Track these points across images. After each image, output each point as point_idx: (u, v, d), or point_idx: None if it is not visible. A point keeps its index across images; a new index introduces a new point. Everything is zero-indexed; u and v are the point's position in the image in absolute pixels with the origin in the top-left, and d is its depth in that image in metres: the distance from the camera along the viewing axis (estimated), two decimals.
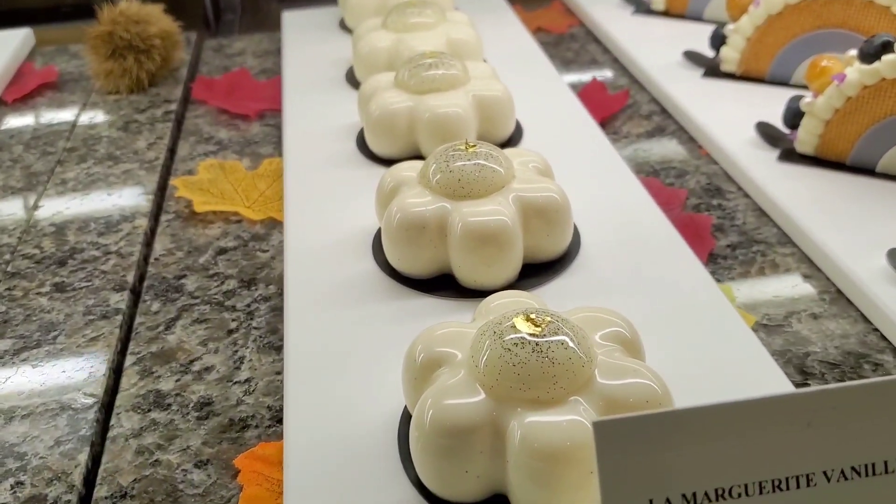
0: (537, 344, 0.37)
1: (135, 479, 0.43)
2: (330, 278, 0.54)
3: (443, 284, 0.52)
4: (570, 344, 0.37)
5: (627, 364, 0.38)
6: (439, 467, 0.37)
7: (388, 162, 0.66)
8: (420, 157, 0.65)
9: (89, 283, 0.58)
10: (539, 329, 0.38)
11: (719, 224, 0.60)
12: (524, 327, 0.38)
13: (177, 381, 0.49)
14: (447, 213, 0.51)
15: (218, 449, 0.44)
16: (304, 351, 0.48)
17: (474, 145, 0.54)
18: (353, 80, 0.81)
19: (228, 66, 0.92)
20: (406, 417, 0.42)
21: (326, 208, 0.62)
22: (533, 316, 0.38)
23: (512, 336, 0.37)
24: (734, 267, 0.56)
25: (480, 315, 0.43)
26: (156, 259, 0.60)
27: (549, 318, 0.38)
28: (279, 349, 0.51)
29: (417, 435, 0.38)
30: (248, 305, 0.55)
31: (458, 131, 0.63)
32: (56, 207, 0.67)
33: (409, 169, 0.56)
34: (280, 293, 0.56)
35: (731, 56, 0.77)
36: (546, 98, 0.75)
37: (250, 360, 0.50)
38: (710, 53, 0.81)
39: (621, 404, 0.37)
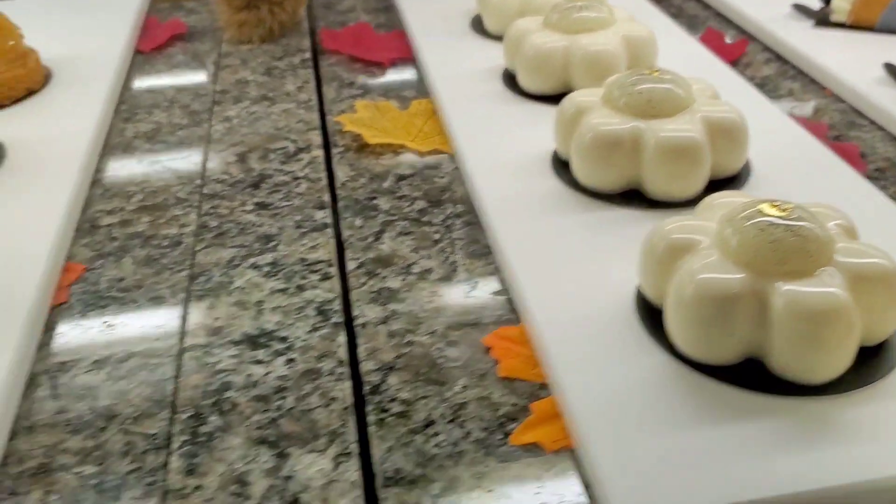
0: (787, 225, 0.42)
1: (396, 356, 0.47)
2: (520, 194, 0.59)
3: (627, 197, 0.57)
4: (815, 224, 0.42)
5: (860, 246, 0.43)
6: (705, 334, 0.42)
7: (540, 98, 0.71)
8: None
9: (289, 203, 0.62)
10: (785, 213, 0.42)
11: (862, 152, 0.65)
12: (772, 212, 0.42)
13: (403, 279, 0.54)
14: (640, 131, 0.56)
15: (462, 332, 0.49)
16: (518, 253, 0.53)
17: (657, 70, 0.58)
18: (479, 29, 0.85)
19: (344, 21, 0.96)
20: (641, 298, 0.47)
21: (493, 138, 0.66)
22: (777, 203, 0.43)
23: (761, 219, 0.42)
24: (888, 187, 0.61)
25: (704, 211, 0.48)
26: (342, 184, 0.65)
27: (791, 205, 0.43)
28: (486, 255, 0.56)
29: (681, 309, 0.42)
30: (444, 221, 0.59)
31: (611, 68, 0.68)
32: (229, 140, 0.71)
33: (586, 96, 0.61)
34: (470, 210, 0.60)
35: (841, 6, 0.82)
36: (671, 42, 0.80)
37: (463, 263, 0.55)
38: (817, 6, 0.86)
39: (862, 277, 0.41)
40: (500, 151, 0.64)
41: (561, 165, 0.61)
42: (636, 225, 0.55)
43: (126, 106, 0.78)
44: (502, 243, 0.54)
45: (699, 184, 0.56)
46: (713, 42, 0.84)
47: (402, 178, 0.65)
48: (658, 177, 0.55)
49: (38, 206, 0.60)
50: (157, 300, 0.53)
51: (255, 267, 0.56)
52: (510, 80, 0.74)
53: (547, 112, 0.70)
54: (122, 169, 0.68)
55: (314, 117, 0.75)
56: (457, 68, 0.78)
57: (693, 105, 0.57)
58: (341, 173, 0.66)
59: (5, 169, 0.66)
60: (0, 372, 0.45)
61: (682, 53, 0.78)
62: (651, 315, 0.46)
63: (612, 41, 0.69)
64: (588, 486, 0.39)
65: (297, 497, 0.39)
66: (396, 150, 0.69)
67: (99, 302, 0.53)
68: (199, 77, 0.83)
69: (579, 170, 0.58)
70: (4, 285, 0.52)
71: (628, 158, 0.56)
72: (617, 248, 0.53)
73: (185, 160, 0.69)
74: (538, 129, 0.67)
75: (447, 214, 0.60)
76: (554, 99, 0.71)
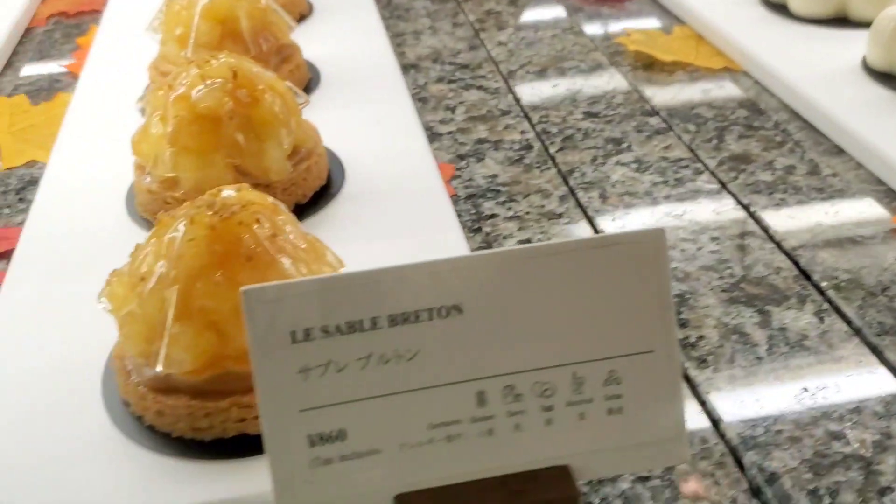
0: None
1: (810, 236, 0.50)
2: (851, 99, 0.62)
3: None
4: None
5: None
6: None
7: (808, 21, 0.74)
8: (843, 17, 0.73)
9: (615, 112, 0.65)
10: None
11: None
12: None
13: (772, 174, 0.57)
14: None
15: (867, 213, 0.52)
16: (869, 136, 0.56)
17: None
18: None
19: None
20: None
21: (786, 54, 0.69)
22: None
23: None
24: None
25: None
26: (651, 97, 0.67)
27: None
28: (839, 154, 0.58)
29: None
30: (775, 126, 0.62)
31: None
32: (516, 61, 0.74)
33: None
34: (796, 117, 0.63)
35: None
36: None
37: (821, 160, 0.58)
38: None
39: None
40: (803, 65, 0.67)
41: (879, 75, 0.64)
42: None
43: (390, 33, 0.81)
44: (863, 139, 0.57)
45: None
46: None
47: (706, 91, 0.68)
48: None
49: (386, 115, 0.63)
50: (543, 192, 0.56)
51: (621, 164, 0.58)
52: (771, 6, 0.77)
53: (820, 33, 0.73)
54: (427, 85, 0.71)
55: (586, 41, 0.77)
56: None
57: None
58: (644, 88, 0.69)
59: (326, 84, 0.68)
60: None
61: None
62: None
63: None
64: None
65: (801, 342, 0.42)
66: (684, 67, 0.72)
67: (486, 194, 0.56)
68: (444, 8, 0.86)
69: None
70: (419, 183, 0.55)
71: None
72: None
73: (484, 79, 0.71)
74: (825, 47, 0.70)
75: (774, 121, 0.63)
76: (822, 22, 0.74)
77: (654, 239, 0.32)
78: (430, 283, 0.31)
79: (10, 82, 0.75)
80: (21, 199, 0.58)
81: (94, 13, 0.88)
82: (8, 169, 0.62)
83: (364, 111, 0.63)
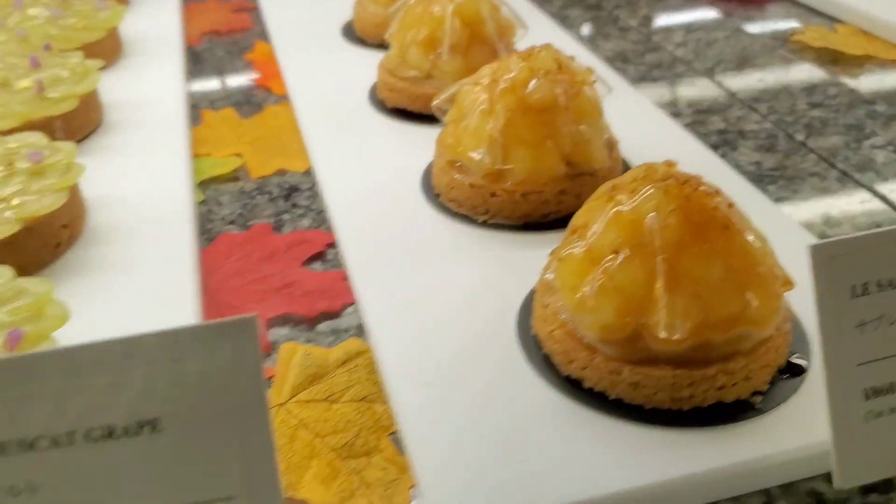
0: None
1: None
2: None
3: None
4: None
5: None
6: None
7: None
8: None
9: (836, 102, 0.67)
10: None
11: None
12: None
13: None
14: None
15: None
16: None
17: None
18: None
19: None
20: None
21: None
22: None
23: None
24: None
25: None
26: (854, 87, 0.70)
27: None
28: None
29: None
30: None
31: None
32: (708, 60, 0.76)
33: None
34: None
35: None
36: None
37: None
38: None
39: None
40: None
41: None
42: None
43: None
44: None
45: None
46: None
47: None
48: None
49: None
50: (818, 175, 0.58)
51: (875, 147, 0.60)
52: None
53: None
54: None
55: (761, 40, 0.80)
56: None
57: None
58: (845, 80, 0.71)
59: None
60: None
61: None
62: None
63: None
64: None
65: None
66: (871, 60, 0.74)
67: (763, 179, 0.57)
68: (600, 16, 0.88)
69: None
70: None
71: None
72: None
73: (684, 76, 0.73)
74: None
75: None
76: None
77: None
78: None
79: (203, 97, 0.74)
80: (294, 205, 0.58)
81: (244, 30, 0.88)
82: (260, 178, 0.61)
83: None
